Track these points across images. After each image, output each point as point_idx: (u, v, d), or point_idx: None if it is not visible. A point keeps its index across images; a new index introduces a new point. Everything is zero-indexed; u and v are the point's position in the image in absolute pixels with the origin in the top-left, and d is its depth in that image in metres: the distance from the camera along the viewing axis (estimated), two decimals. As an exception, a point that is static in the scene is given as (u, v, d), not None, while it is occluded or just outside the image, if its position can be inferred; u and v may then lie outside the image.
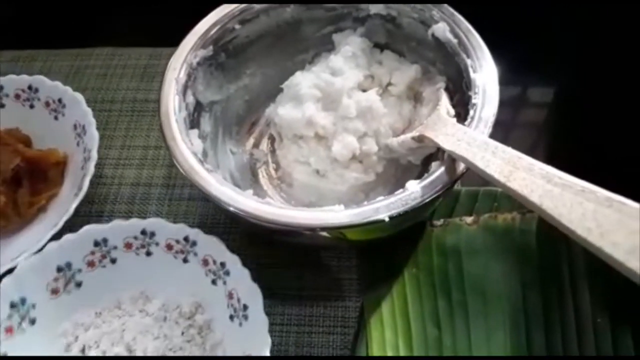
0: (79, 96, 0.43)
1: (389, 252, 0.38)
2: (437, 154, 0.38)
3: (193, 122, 0.39)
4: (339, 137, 0.38)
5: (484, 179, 0.40)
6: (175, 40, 0.44)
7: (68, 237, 0.36)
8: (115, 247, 0.37)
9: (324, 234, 0.33)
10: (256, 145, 0.45)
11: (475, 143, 0.29)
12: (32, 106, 0.44)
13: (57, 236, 0.36)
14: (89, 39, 0.55)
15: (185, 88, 0.38)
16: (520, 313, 0.35)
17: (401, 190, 0.31)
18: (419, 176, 0.39)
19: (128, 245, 0.37)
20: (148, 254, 0.38)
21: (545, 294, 0.36)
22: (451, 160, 0.32)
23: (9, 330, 0.34)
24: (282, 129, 0.41)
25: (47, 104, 0.44)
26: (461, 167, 0.32)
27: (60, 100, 0.44)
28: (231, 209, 0.31)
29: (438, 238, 0.38)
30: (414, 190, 0.31)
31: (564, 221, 0.20)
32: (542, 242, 0.37)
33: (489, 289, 0.36)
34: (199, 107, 0.40)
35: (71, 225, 0.38)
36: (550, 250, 0.37)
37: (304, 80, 0.40)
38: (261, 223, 0.31)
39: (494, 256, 0.37)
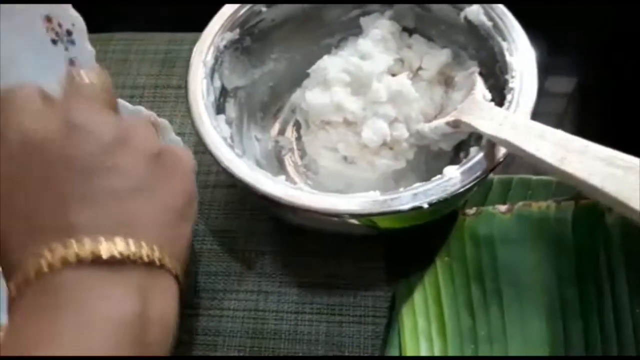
0: (165, 122, 0.39)
1: (419, 241, 0.37)
2: (469, 140, 0.38)
3: (219, 108, 0.38)
4: (369, 122, 0.37)
5: (517, 167, 0.40)
6: (194, 25, 0.43)
7: None
8: None
9: (355, 221, 0.32)
10: (281, 132, 0.44)
11: (519, 127, 0.28)
12: None
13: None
14: (106, 24, 0.54)
15: (212, 72, 0.37)
16: (556, 303, 0.34)
17: (439, 176, 0.30)
18: (450, 163, 0.39)
19: None
20: None
21: (582, 283, 0.35)
22: (490, 145, 0.31)
23: None
24: (309, 115, 0.40)
25: None
26: (501, 152, 0.31)
27: None
28: (265, 195, 0.30)
29: (471, 227, 0.37)
30: (452, 176, 0.30)
31: (632, 204, 0.19)
32: (579, 230, 0.36)
33: (523, 279, 0.35)
34: (224, 92, 0.39)
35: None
36: (586, 239, 0.36)
37: (331, 65, 0.39)
38: (296, 210, 0.30)
39: (529, 245, 0.36)
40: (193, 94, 0.35)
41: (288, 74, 0.44)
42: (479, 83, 0.35)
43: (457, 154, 0.39)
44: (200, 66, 0.36)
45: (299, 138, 0.43)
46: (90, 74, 0.26)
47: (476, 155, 0.31)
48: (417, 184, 0.30)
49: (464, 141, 0.38)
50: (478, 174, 0.30)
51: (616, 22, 0.51)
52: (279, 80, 0.44)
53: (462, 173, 0.30)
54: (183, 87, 0.48)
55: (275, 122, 0.45)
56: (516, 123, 0.28)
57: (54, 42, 0.36)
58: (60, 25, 0.35)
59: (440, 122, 0.35)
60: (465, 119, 0.33)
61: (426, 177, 0.35)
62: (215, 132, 0.33)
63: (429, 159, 0.40)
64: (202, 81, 0.36)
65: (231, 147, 0.33)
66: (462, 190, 0.29)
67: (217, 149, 0.33)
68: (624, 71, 0.49)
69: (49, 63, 0.36)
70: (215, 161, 0.33)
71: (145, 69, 0.50)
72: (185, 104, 0.47)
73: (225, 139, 0.33)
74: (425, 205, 0.29)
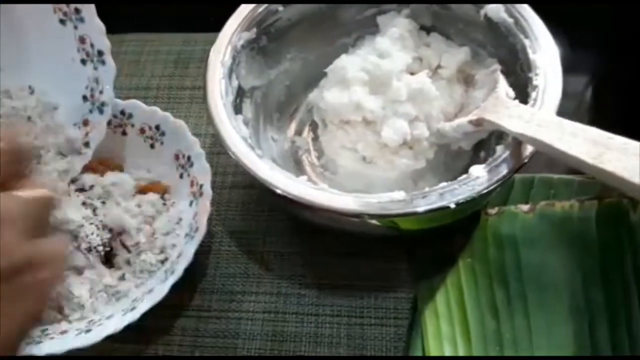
0: (181, 123, 0.39)
1: (441, 242, 0.37)
2: (489, 139, 0.37)
3: (236, 108, 0.38)
4: (388, 121, 0.37)
5: (539, 166, 0.39)
6: (204, 26, 0.42)
7: None
8: None
9: (375, 222, 0.32)
10: (298, 132, 0.44)
11: (548, 124, 0.27)
12: (124, 133, 0.41)
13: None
14: (117, 25, 0.54)
15: (230, 72, 0.37)
16: (581, 304, 0.34)
17: (465, 175, 0.30)
18: (470, 162, 0.38)
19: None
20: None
21: (608, 283, 0.34)
22: (516, 144, 0.30)
23: None
24: (328, 114, 0.39)
25: (142, 131, 0.41)
26: (527, 151, 0.30)
27: (158, 127, 0.40)
28: (289, 196, 0.30)
29: (493, 227, 0.36)
30: (480, 175, 0.29)
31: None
32: (603, 229, 0.35)
33: (548, 279, 0.35)
34: (241, 92, 0.39)
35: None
36: (611, 238, 0.35)
37: (350, 64, 0.39)
38: (321, 211, 0.29)
39: (553, 245, 0.36)
40: (212, 95, 0.34)
41: (303, 74, 0.44)
42: (502, 81, 0.35)
43: (476, 153, 0.38)
44: (219, 66, 0.36)
45: (315, 138, 0.43)
46: None
47: (502, 154, 0.30)
48: (444, 184, 0.29)
49: (484, 140, 0.37)
50: (505, 172, 0.30)
51: (630, 21, 0.50)
52: (294, 80, 0.44)
53: (489, 172, 0.29)
54: (197, 88, 0.48)
55: (292, 123, 0.44)
56: (545, 120, 0.28)
57: (62, 22, 0.36)
58: (68, 4, 0.34)
59: (463, 120, 0.34)
60: (489, 117, 0.32)
61: (445, 177, 0.35)
62: (235, 133, 0.33)
63: (448, 159, 0.39)
64: (221, 81, 0.35)
65: (252, 147, 0.33)
66: (489, 189, 0.29)
67: (238, 150, 0.32)
68: (637, 69, 0.48)
69: (58, 44, 0.36)
70: (235, 162, 0.32)
71: (159, 70, 0.50)
72: (199, 105, 0.47)
73: (245, 139, 0.33)
74: (453, 205, 0.28)
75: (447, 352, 0.33)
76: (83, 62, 0.37)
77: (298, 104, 0.45)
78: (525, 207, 0.37)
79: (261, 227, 0.40)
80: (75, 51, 0.36)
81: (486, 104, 0.34)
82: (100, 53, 0.36)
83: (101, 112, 0.37)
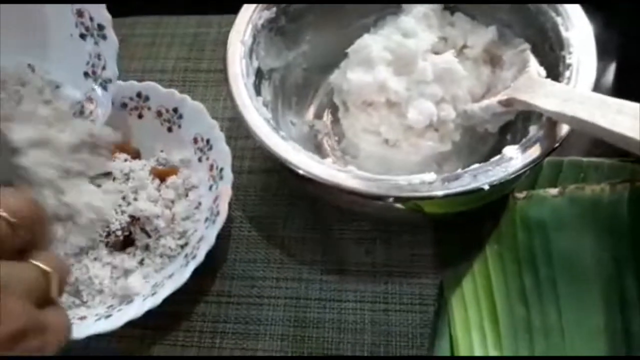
0: (200, 106, 0.38)
1: (467, 227, 0.36)
2: (516, 121, 0.36)
3: (256, 90, 0.37)
4: (414, 102, 0.36)
5: (568, 148, 0.38)
6: (219, 8, 0.40)
7: None
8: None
9: (400, 205, 0.31)
10: (317, 116, 0.43)
11: (589, 102, 0.26)
12: (140, 116, 0.41)
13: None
14: (131, 7, 0.53)
15: (251, 51, 0.36)
16: (614, 290, 0.33)
17: (498, 156, 0.29)
18: (496, 146, 0.37)
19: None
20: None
21: (640, 268, 0.33)
22: (551, 124, 0.29)
23: None
24: (350, 96, 0.38)
25: (159, 114, 0.40)
26: (562, 131, 0.29)
27: (175, 110, 0.40)
28: (315, 178, 0.29)
29: (522, 211, 0.35)
30: (513, 156, 0.28)
31: None
32: (635, 213, 0.34)
33: (578, 264, 0.34)
34: (259, 74, 0.38)
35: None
36: (644, 223, 0.34)
37: (374, 43, 0.38)
38: (350, 194, 0.29)
39: (583, 229, 0.34)
40: (233, 75, 0.33)
41: (321, 56, 0.43)
42: (533, 60, 0.34)
43: (502, 136, 0.37)
44: (239, 45, 0.35)
45: (335, 121, 0.42)
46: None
47: (536, 135, 0.29)
48: (476, 165, 0.28)
49: (510, 123, 0.36)
50: (539, 153, 0.29)
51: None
52: (312, 63, 0.43)
53: (523, 153, 0.28)
54: (213, 71, 0.47)
55: (310, 106, 0.43)
56: (585, 97, 0.27)
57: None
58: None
59: (492, 101, 0.33)
60: (521, 97, 0.31)
61: (470, 160, 0.34)
62: (258, 115, 0.32)
63: (473, 142, 0.38)
64: (242, 61, 0.34)
65: (275, 129, 0.32)
66: (523, 170, 0.28)
67: (261, 132, 0.31)
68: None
69: (54, 19, 0.35)
70: (254, 146, 0.31)
71: (174, 53, 0.49)
72: (216, 88, 0.46)
73: (268, 121, 0.32)
74: (487, 187, 0.27)
75: (475, 340, 0.32)
76: (82, 37, 0.35)
77: (316, 87, 0.44)
78: (554, 191, 0.36)
79: (281, 211, 0.39)
80: (74, 26, 0.34)
81: (517, 83, 0.33)
82: (100, 27, 0.34)
83: (105, 88, 0.36)
